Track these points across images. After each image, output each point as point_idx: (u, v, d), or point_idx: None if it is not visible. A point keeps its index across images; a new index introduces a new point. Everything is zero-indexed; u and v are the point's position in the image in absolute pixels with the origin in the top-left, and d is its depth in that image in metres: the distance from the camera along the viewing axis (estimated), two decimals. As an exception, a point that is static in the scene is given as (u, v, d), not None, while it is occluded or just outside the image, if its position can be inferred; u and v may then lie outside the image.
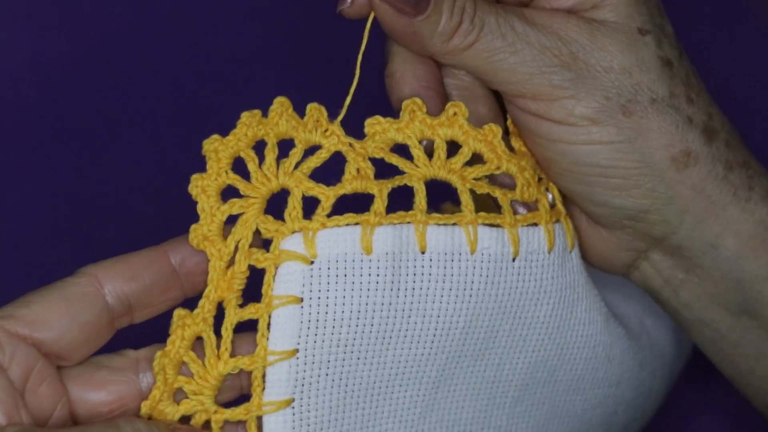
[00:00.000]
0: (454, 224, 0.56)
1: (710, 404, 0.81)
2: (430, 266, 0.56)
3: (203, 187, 0.55)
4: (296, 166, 0.56)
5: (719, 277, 0.60)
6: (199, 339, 0.55)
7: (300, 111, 0.57)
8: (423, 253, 0.56)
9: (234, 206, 0.55)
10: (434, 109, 0.58)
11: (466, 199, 0.57)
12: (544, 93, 0.57)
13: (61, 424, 0.53)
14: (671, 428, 0.80)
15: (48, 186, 0.83)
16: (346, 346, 0.56)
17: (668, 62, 0.58)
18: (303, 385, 0.55)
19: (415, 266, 0.56)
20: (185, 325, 0.55)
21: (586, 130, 0.57)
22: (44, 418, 0.53)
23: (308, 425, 0.56)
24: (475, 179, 0.58)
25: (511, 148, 0.59)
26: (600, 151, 0.57)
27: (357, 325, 0.55)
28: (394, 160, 0.57)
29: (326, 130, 0.57)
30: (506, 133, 0.60)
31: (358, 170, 0.57)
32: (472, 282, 0.57)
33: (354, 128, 0.57)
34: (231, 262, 0.55)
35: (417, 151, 0.57)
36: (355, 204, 0.56)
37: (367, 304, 0.55)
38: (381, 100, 0.59)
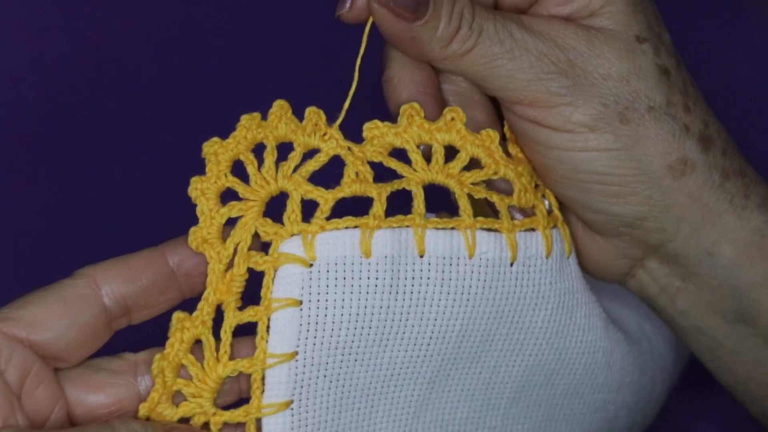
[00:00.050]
0: (452, 228, 0.56)
1: (707, 411, 0.80)
2: (429, 270, 0.56)
3: (203, 190, 0.55)
4: (295, 170, 0.56)
5: (716, 284, 0.60)
6: (198, 342, 0.55)
7: (299, 114, 0.57)
8: (421, 256, 0.56)
9: (233, 209, 0.55)
10: (432, 115, 0.58)
11: (464, 203, 0.57)
12: (542, 100, 0.57)
13: (59, 426, 0.53)
14: (668, 435, 0.80)
15: (48, 186, 0.82)
16: (344, 348, 0.56)
17: (666, 70, 0.58)
18: (302, 387, 0.55)
19: (413, 270, 0.56)
20: (184, 328, 0.55)
21: (584, 137, 0.57)
22: (41, 420, 0.53)
23: (306, 426, 0.56)
24: (472, 184, 0.58)
25: (508, 155, 0.59)
26: (597, 158, 0.57)
27: (355, 328, 0.55)
28: (393, 164, 0.57)
29: (325, 134, 0.57)
30: (503, 139, 0.59)
31: (356, 174, 0.57)
32: (470, 286, 0.57)
33: (352, 132, 0.57)
34: (230, 265, 0.55)
35: (415, 156, 0.57)
36: (354, 207, 0.56)
37: (365, 306, 0.55)
38: (379, 105, 0.59)
